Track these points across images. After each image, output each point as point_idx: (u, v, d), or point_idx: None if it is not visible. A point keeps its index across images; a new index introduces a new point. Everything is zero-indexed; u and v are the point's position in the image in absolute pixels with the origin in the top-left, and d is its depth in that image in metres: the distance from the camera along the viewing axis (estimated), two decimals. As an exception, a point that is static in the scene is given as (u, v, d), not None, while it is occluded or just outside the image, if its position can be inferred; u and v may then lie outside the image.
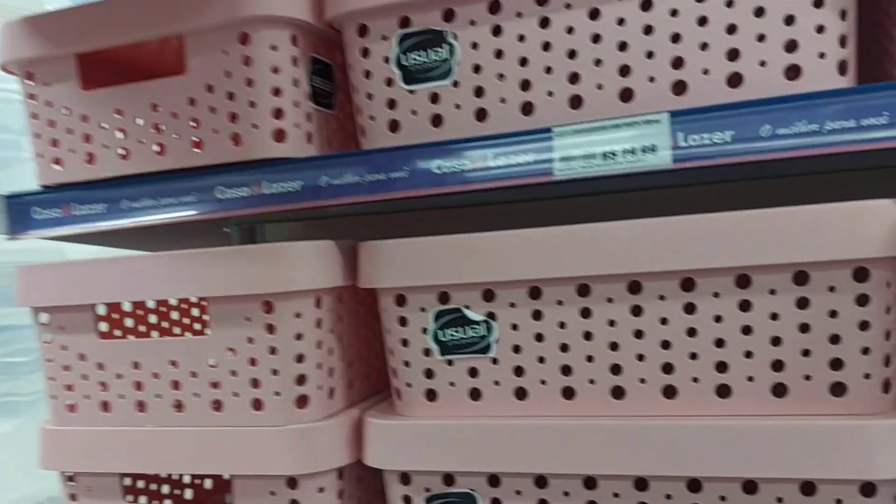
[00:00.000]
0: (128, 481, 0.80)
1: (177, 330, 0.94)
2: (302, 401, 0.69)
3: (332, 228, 1.05)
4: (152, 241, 1.03)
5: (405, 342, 0.67)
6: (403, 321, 0.67)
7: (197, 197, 0.74)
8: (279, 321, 0.67)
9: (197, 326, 0.97)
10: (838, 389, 0.58)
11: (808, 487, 0.58)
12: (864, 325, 0.57)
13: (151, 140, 0.74)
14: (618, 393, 0.63)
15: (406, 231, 0.71)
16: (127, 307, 0.84)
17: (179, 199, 0.74)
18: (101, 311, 0.78)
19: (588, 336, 0.62)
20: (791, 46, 0.60)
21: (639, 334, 0.61)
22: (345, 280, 0.71)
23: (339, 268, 0.70)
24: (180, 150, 0.73)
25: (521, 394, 0.65)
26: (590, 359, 0.63)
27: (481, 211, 0.95)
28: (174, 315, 0.94)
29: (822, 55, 0.59)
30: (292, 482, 0.69)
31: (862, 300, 0.57)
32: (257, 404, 0.69)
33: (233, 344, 0.69)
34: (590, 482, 0.63)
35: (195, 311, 0.97)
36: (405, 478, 0.67)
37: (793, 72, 0.60)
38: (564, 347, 0.63)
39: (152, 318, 0.90)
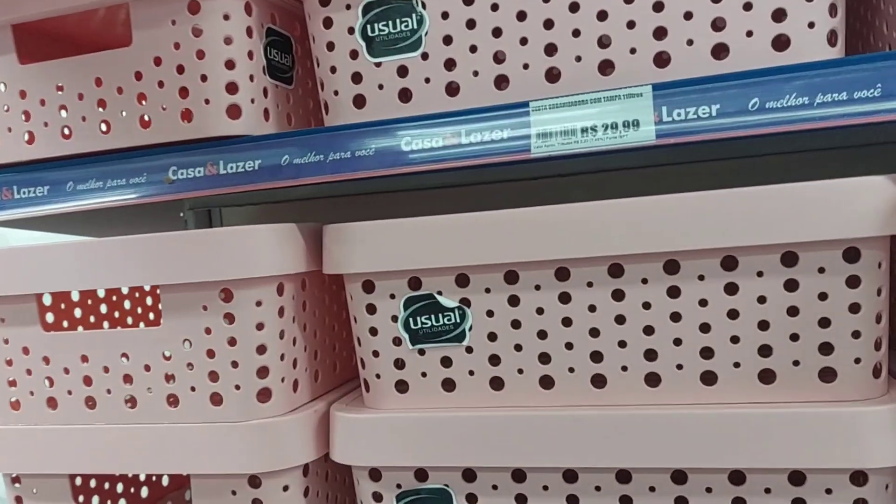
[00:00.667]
0: (78, 480, 0.75)
1: (130, 320, 0.89)
2: (264, 394, 0.65)
3: (295, 213, 1.00)
4: (103, 226, 0.98)
5: (374, 331, 0.64)
6: (372, 309, 0.63)
7: (148, 178, 0.69)
8: (238, 310, 0.63)
9: (152, 316, 0.92)
10: (828, 375, 0.56)
11: (797, 477, 0.55)
12: (854, 308, 0.54)
13: (96, 117, 0.69)
14: (599, 381, 0.60)
15: (374, 214, 0.67)
16: (75, 296, 0.79)
17: (129, 181, 0.70)
18: (47, 300, 0.73)
19: (567, 322, 0.59)
20: (779, 15, 0.57)
21: (620, 320, 0.58)
22: (308, 266, 0.67)
23: (302, 252, 0.66)
24: (127, 128, 0.68)
25: (496, 384, 0.62)
26: (569, 346, 0.60)
27: (454, 192, 0.92)
28: (127, 304, 0.89)
29: (811, 25, 0.56)
30: (254, 480, 0.65)
31: (852, 282, 0.54)
32: (216, 399, 0.65)
33: (188, 335, 0.65)
34: (570, 475, 0.60)
35: (149, 300, 0.92)
36: (375, 474, 0.64)
37: (781, 42, 0.57)
38: (542, 334, 0.60)
39: (103, 308, 0.84)
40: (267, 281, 0.64)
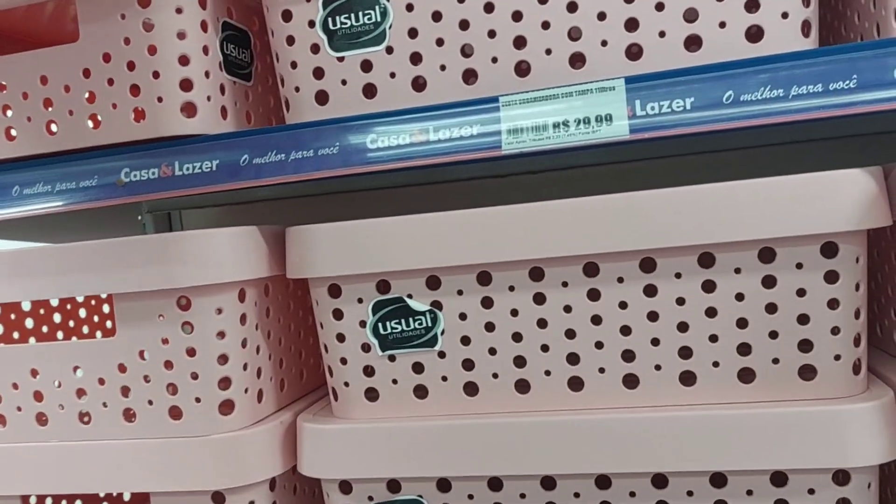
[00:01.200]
0: (33, 499, 0.71)
1: (86, 329, 0.85)
2: (226, 407, 0.62)
3: (257, 214, 0.97)
4: (56, 232, 0.94)
5: (341, 337, 0.61)
6: (338, 314, 0.61)
7: (99, 181, 0.65)
8: (198, 318, 0.60)
9: (109, 325, 0.88)
10: (808, 372, 0.55)
11: (778, 478, 0.54)
12: (833, 304, 0.53)
13: (42, 118, 0.66)
14: (575, 384, 0.58)
15: (340, 214, 0.64)
16: (26, 306, 0.75)
17: (79, 185, 0.66)
18: (-6, 312, 0.70)
19: (542, 324, 0.57)
20: (752, 6, 0.56)
21: (596, 320, 0.57)
22: (271, 270, 0.64)
23: (264, 256, 0.63)
24: (76, 128, 0.65)
25: (471, 389, 0.60)
26: (545, 348, 0.58)
27: (422, 191, 0.89)
28: (83, 313, 0.85)
29: (784, 15, 0.55)
30: (218, 497, 0.62)
31: (831, 277, 0.53)
32: (175, 412, 0.62)
33: (145, 345, 0.62)
34: (548, 482, 0.58)
35: (106, 308, 0.88)
36: (346, 486, 0.61)
37: (754, 33, 0.56)
38: (517, 337, 0.58)
39: (57, 318, 0.81)
40: (227, 287, 0.61)
